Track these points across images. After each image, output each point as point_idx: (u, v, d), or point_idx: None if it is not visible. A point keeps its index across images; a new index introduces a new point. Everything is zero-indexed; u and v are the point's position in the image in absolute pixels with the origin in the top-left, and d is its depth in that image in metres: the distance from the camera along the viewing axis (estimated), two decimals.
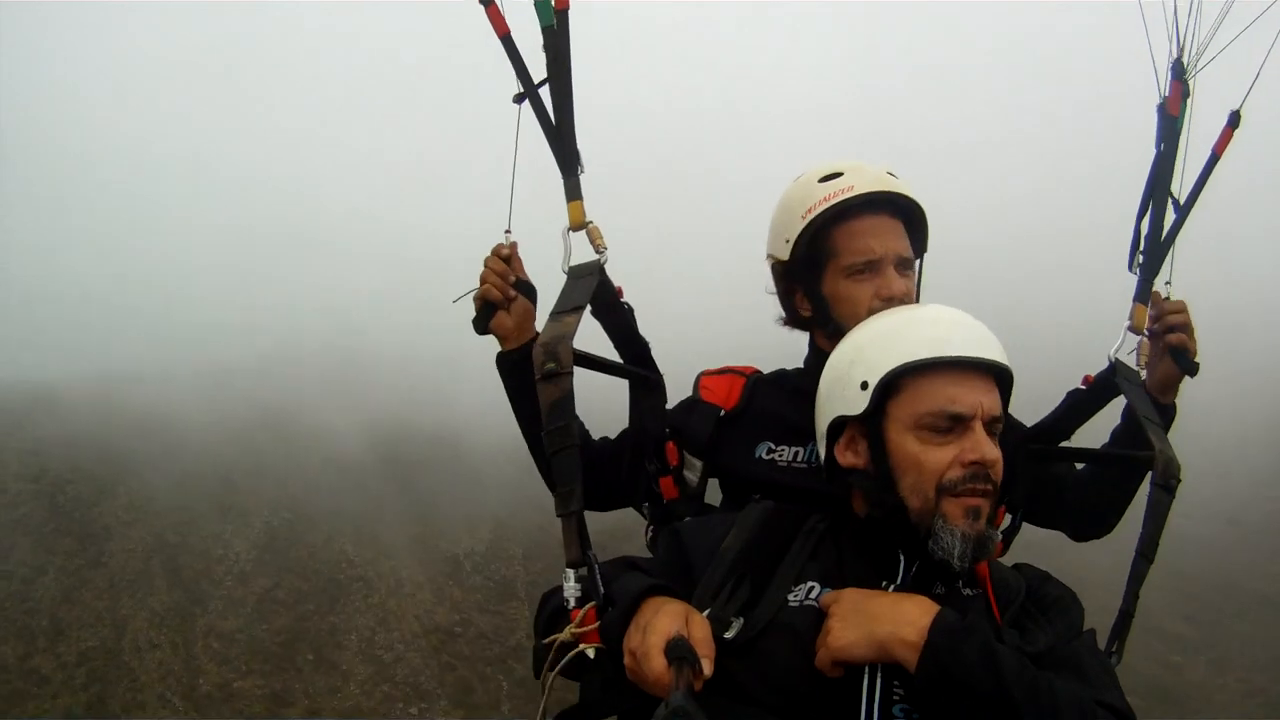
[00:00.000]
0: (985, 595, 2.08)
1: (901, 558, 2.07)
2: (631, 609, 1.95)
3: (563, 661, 1.99)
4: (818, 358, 2.69)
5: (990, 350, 2.12)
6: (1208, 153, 2.98)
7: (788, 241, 2.70)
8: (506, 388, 2.81)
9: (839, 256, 2.64)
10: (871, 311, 2.58)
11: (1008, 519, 2.71)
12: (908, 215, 2.66)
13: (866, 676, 1.89)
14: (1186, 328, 2.86)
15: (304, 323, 22.13)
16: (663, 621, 1.86)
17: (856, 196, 2.62)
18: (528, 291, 2.79)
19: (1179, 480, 2.46)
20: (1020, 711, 1.74)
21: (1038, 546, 2.60)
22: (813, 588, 2.05)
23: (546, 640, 2.04)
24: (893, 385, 2.10)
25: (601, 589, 2.05)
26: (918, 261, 2.74)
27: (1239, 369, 21.18)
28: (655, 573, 2.14)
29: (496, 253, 2.75)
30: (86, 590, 16.78)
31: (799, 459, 2.69)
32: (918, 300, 2.68)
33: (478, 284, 2.74)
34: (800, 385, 2.70)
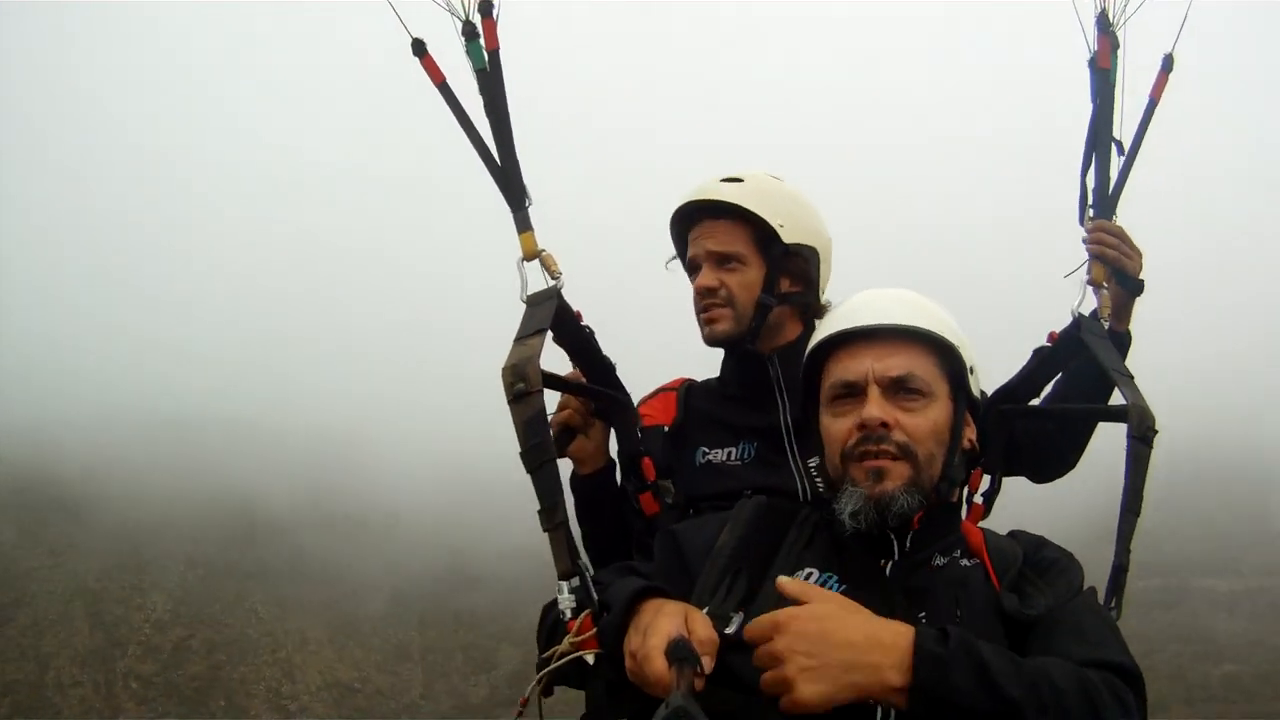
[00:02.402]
0: (983, 565, 2.05)
1: (893, 536, 2.06)
2: (627, 612, 1.94)
3: (553, 665, 1.99)
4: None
5: (887, 316, 2.13)
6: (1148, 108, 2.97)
7: None
8: (577, 505, 2.88)
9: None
10: (696, 305, 2.83)
11: (986, 481, 2.62)
12: (733, 213, 2.73)
13: None
14: (1118, 244, 2.81)
15: (231, 386, 23.79)
16: (662, 622, 1.84)
17: (676, 211, 2.86)
18: (605, 417, 2.88)
19: (1155, 431, 2.38)
20: (1024, 713, 1.69)
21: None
22: (811, 574, 2.05)
23: (546, 654, 2.03)
24: (817, 371, 2.21)
25: (595, 596, 2.04)
26: (802, 249, 2.75)
27: None
28: (653, 575, 2.13)
29: (575, 379, 2.83)
30: (10, 627, 18.14)
31: (733, 458, 2.74)
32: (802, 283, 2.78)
33: (556, 409, 2.80)
34: (720, 388, 2.92)
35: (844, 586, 2.03)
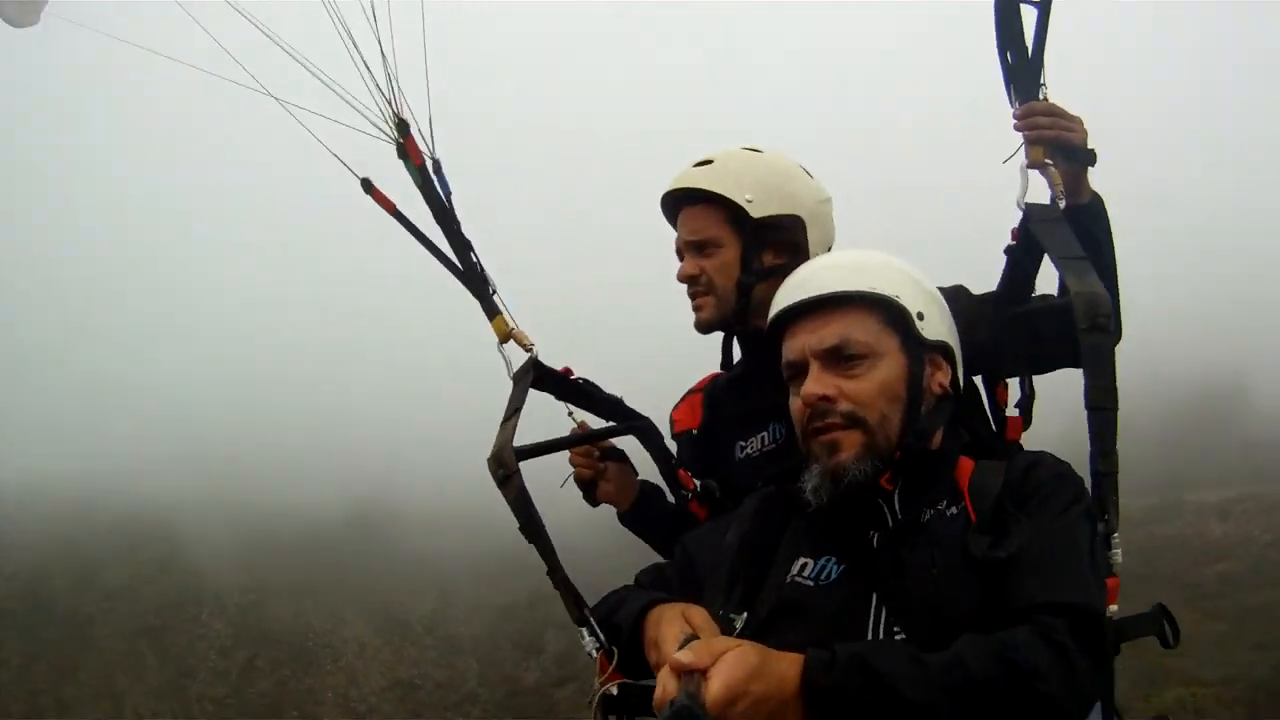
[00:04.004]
0: (965, 509, 2.02)
1: (883, 503, 2.06)
2: (634, 633, 2.02)
3: (593, 709, 2.07)
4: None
5: (814, 288, 2.12)
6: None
7: None
8: (637, 536, 3.06)
9: None
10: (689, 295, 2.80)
11: (1016, 392, 2.60)
12: (704, 197, 2.70)
13: (870, 634, 1.92)
14: (1054, 121, 2.60)
15: (264, 406, 24.64)
16: (665, 631, 1.91)
17: (661, 204, 2.84)
18: (618, 457, 3.01)
19: (1107, 316, 2.17)
20: (940, 715, 1.70)
21: None
22: (806, 563, 2.07)
23: (588, 701, 2.12)
24: (778, 354, 2.19)
25: (602, 639, 2.15)
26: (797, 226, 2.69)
27: None
28: (673, 578, 2.26)
29: (578, 432, 2.97)
30: (82, 671, 19.13)
31: (766, 443, 2.76)
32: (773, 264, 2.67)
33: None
34: (741, 369, 2.88)
35: (842, 567, 2.05)
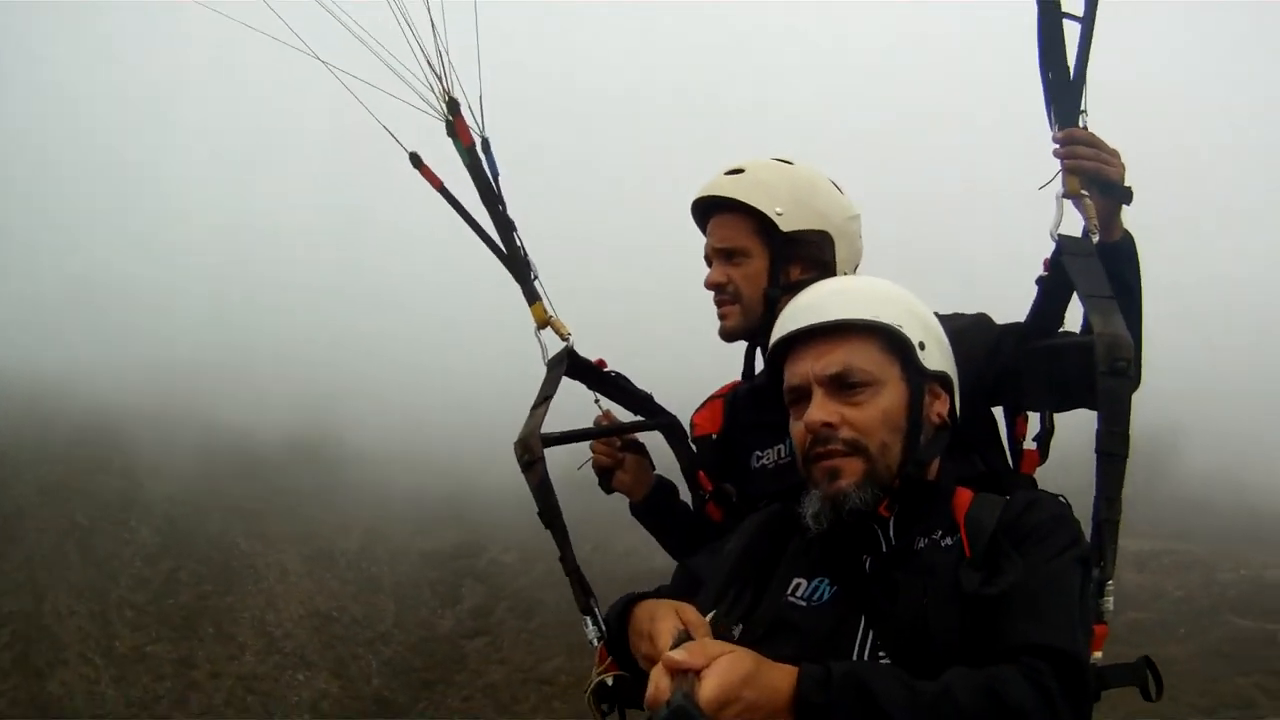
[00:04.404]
0: (960, 542, 2.02)
1: (877, 528, 2.07)
2: (620, 624, 2.11)
3: (587, 695, 2.17)
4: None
5: (819, 314, 2.12)
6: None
7: None
8: (647, 529, 3.09)
9: None
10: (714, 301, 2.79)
11: (1036, 425, 2.57)
12: (735, 206, 2.69)
13: (855, 654, 1.95)
14: (1094, 153, 2.51)
15: (215, 330, 24.85)
16: (660, 627, 1.93)
17: (691, 210, 2.84)
18: (637, 449, 3.04)
19: (1127, 360, 2.13)
20: None
21: None
22: (799, 584, 2.09)
23: (585, 688, 2.19)
24: (781, 375, 2.20)
25: (603, 630, 2.26)
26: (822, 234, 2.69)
27: None
28: (675, 594, 2.23)
29: (599, 424, 3.03)
30: (5, 562, 19.32)
31: (783, 456, 2.72)
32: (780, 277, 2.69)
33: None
34: (763, 380, 2.76)
35: (834, 589, 2.07)
